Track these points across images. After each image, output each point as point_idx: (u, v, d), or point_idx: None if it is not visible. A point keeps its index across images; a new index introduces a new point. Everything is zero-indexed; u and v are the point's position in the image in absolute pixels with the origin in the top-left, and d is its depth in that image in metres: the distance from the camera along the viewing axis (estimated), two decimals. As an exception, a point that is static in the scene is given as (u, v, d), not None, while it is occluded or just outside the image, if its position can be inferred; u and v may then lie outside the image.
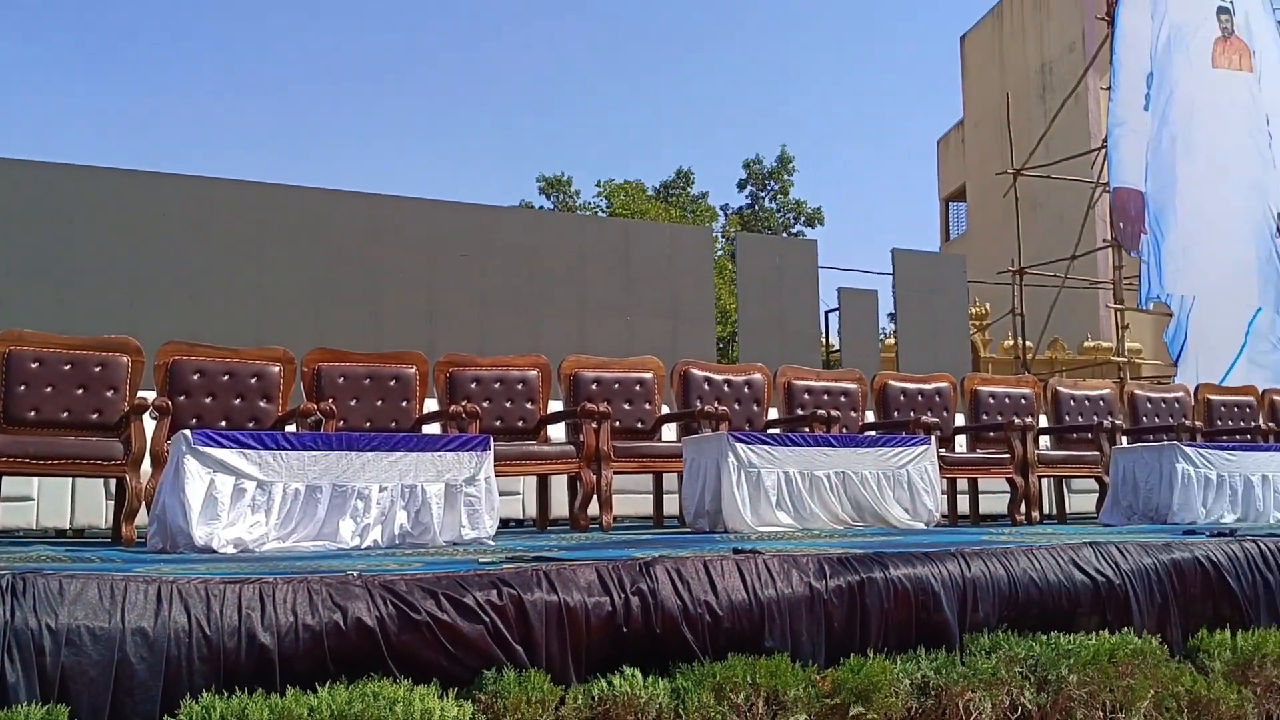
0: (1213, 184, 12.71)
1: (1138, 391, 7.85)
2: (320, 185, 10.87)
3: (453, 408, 5.57)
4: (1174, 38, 12.83)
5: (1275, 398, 8.32)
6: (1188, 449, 5.86)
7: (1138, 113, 12.58)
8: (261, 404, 5.57)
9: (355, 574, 2.67)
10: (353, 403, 5.78)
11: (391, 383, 5.92)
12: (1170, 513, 5.73)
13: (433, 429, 5.81)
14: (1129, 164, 12.44)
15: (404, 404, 5.92)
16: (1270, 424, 7.87)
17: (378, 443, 4.30)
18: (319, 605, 2.49)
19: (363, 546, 4.14)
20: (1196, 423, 7.43)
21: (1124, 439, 7.26)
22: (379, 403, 5.86)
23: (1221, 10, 13.21)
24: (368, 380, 5.87)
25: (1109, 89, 12.88)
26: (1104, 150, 13.02)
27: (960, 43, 27.26)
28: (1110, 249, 13.26)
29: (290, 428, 5.31)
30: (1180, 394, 7.95)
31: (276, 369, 5.65)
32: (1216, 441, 6.88)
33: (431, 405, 6.20)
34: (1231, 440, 7.37)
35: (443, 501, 4.47)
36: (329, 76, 55.75)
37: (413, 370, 5.99)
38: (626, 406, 6.39)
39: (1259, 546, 3.80)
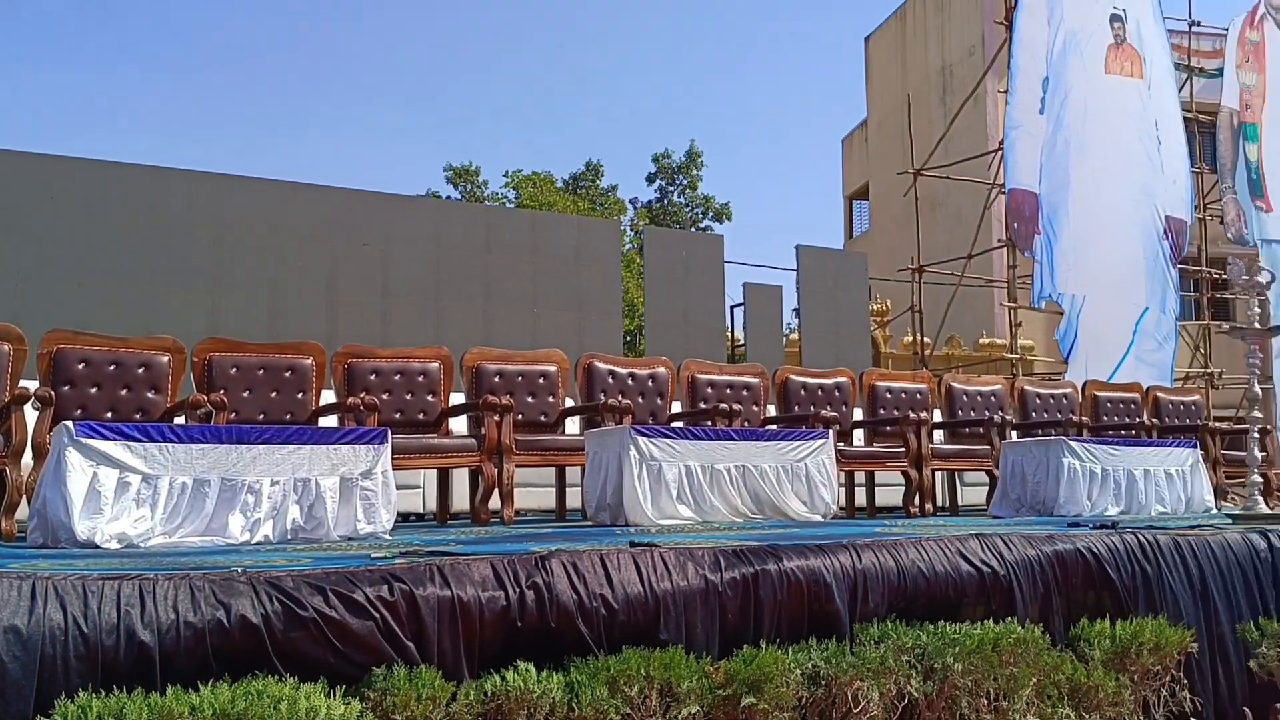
0: (1104, 187, 13.14)
1: (1027, 388, 8.09)
2: (218, 170, 10.58)
3: (350, 400, 5.48)
4: (1069, 44, 13.23)
5: (1159, 394, 8.65)
6: (1074, 444, 6.05)
7: (1033, 116, 12.94)
8: (149, 395, 5.40)
9: (240, 570, 2.60)
10: (246, 394, 5.63)
11: (287, 374, 5.78)
12: (1057, 505, 5.92)
13: (330, 422, 5.70)
14: (1024, 166, 12.80)
15: (300, 396, 5.79)
16: (1153, 419, 8.18)
17: (269, 435, 4.21)
18: (201, 602, 2.42)
19: (253, 542, 4.05)
20: (1083, 418, 7.68)
21: (1014, 434, 7.48)
22: (273, 394, 5.72)
23: (1115, 18, 13.66)
24: (261, 371, 5.73)
25: (1006, 92, 13.22)
26: (1001, 152, 13.36)
27: (865, 43, 27.71)
28: (1005, 248, 13.62)
29: (179, 420, 5.16)
30: (1068, 390, 8.21)
31: (165, 359, 5.48)
32: (1102, 437, 7.12)
33: (330, 397, 6.09)
34: (1116, 435, 7.63)
35: (337, 496, 4.40)
36: (230, 58, 54.27)
37: (309, 361, 5.87)
38: (530, 399, 6.36)
39: (1138, 539, 3.95)
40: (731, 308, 13.74)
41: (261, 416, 5.58)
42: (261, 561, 2.96)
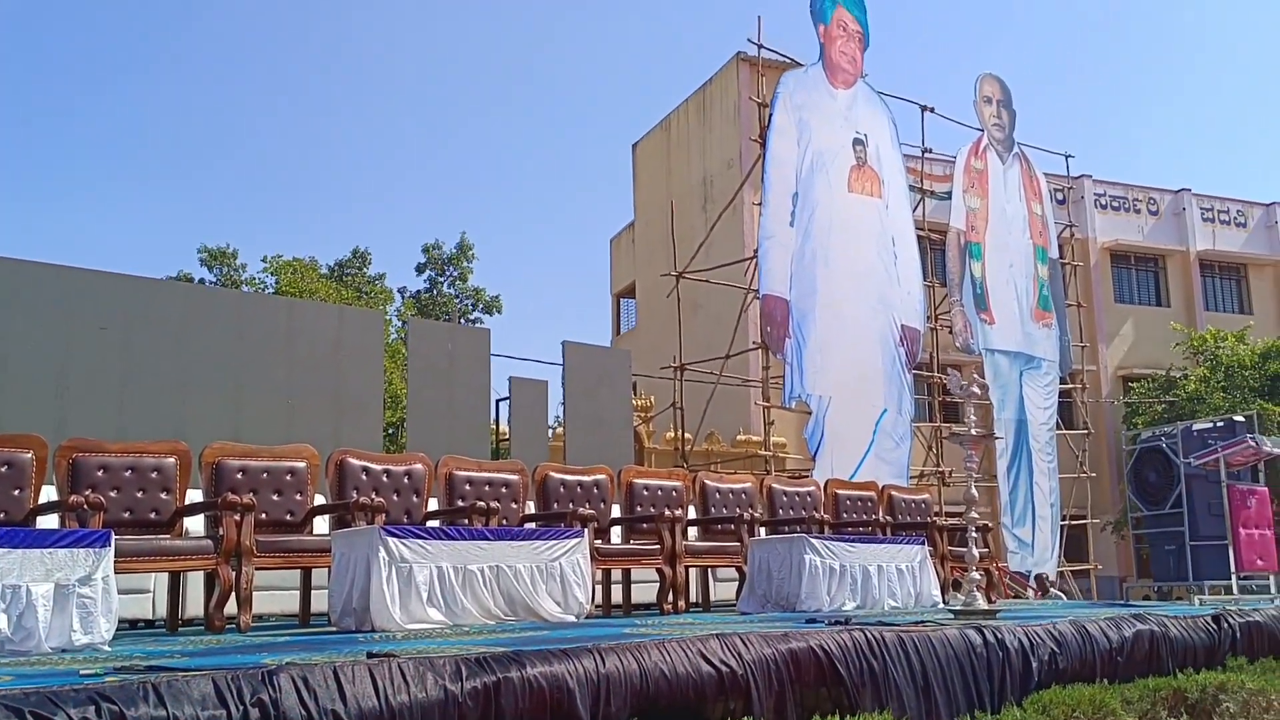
0: (847, 296, 14.07)
1: (775, 486, 8.44)
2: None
3: (72, 498, 5.09)
4: (816, 163, 14.21)
5: (893, 493, 9.20)
6: (814, 540, 6.35)
7: (784, 227, 13.75)
8: None
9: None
10: (-49, 491, 5.14)
11: (1, 469, 5.32)
12: (799, 601, 6.17)
13: (50, 521, 5.26)
14: (776, 273, 13.53)
15: (16, 493, 5.32)
16: (888, 517, 8.69)
17: (-28, 539, 3.84)
18: None
19: (-54, 658, 3.66)
20: (825, 515, 8.06)
21: (763, 530, 7.76)
22: (-16, 492, 5.24)
23: (857, 142, 14.79)
24: (-29, 466, 5.24)
25: (760, 204, 13.99)
26: (756, 259, 14.08)
27: (632, 149, 28.79)
28: (760, 350, 14.27)
29: None
30: (812, 488, 8.62)
31: None
32: (841, 534, 7.50)
33: (52, 494, 5.64)
34: (854, 533, 8.05)
35: (51, 604, 4.07)
36: (-37, 122, 50.30)
37: (29, 455, 5.42)
38: (276, 497, 6.09)
39: (865, 635, 4.16)
40: (497, 401, 13.70)
41: (-33, 516, 5.10)
42: (-52, 684, 2.68)
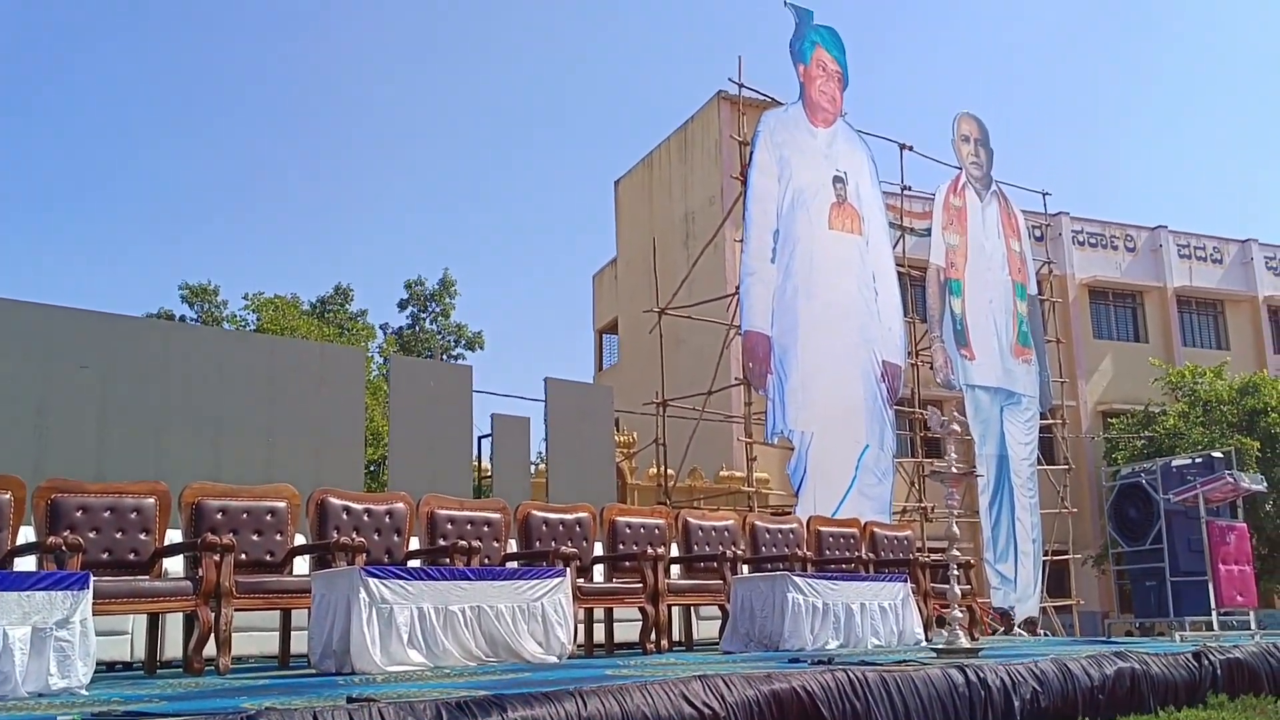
0: (829, 332, 14.14)
1: (757, 523, 8.44)
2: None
3: (51, 539, 5.05)
4: (797, 200, 14.32)
5: (875, 529, 9.21)
6: (797, 578, 6.35)
7: (766, 264, 13.83)
8: None
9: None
10: (-74, 533, 5.09)
11: (-21, 511, 5.28)
12: (783, 639, 6.15)
13: (28, 563, 5.22)
14: (758, 310, 13.60)
15: (-8, 535, 5.28)
16: (870, 554, 8.70)
17: (-52, 583, 3.81)
18: None
19: (-81, 705, 3.61)
20: (808, 552, 8.06)
21: (745, 568, 7.75)
22: (-40, 534, 5.19)
23: (837, 179, 14.92)
24: (-53, 507, 5.20)
25: (742, 241, 14.08)
26: (737, 296, 14.15)
27: (615, 186, 28.96)
28: (742, 386, 14.30)
29: None
30: (795, 525, 8.62)
31: None
32: (824, 571, 7.50)
33: (30, 535, 5.59)
34: (837, 570, 8.05)
35: (28, 647, 4.03)
36: (-57, 158, 50.18)
37: (7, 496, 5.38)
38: (256, 538, 6.05)
39: (848, 675, 4.16)
40: (480, 438, 13.67)
41: (-57, 559, 5.05)
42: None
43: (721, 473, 19.66)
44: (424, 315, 34.11)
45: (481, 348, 34.20)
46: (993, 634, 12.39)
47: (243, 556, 5.75)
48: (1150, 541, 17.62)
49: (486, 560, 6.69)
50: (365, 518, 6.50)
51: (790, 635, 6.16)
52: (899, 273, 15.66)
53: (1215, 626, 15.72)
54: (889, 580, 7.05)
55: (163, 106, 54.11)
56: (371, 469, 20.11)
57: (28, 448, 8.83)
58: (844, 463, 13.85)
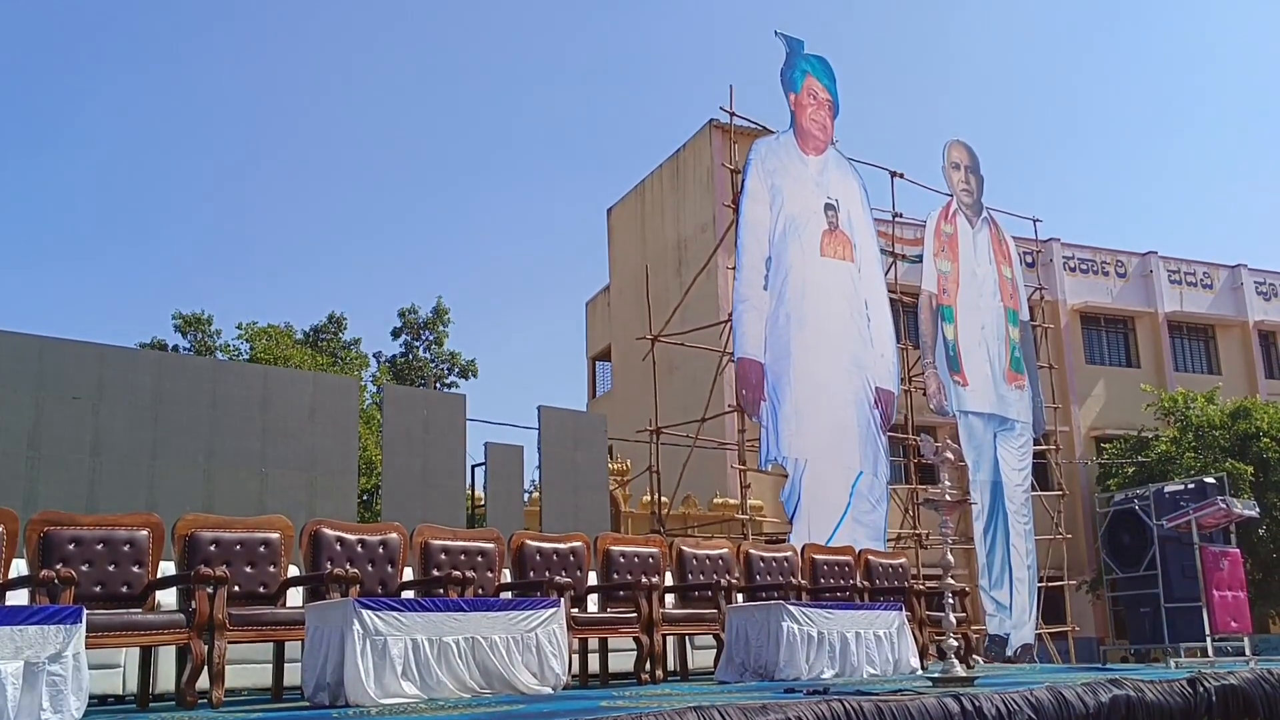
0: (821, 359, 14.17)
1: (752, 551, 8.42)
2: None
3: (43, 573, 5.03)
4: (789, 228, 14.39)
5: (870, 557, 9.20)
6: (792, 607, 6.33)
7: (758, 291, 13.88)
8: None
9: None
10: (-82, 567, 5.06)
11: (-29, 544, 5.25)
12: (778, 669, 6.13)
13: (19, 597, 5.19)
14: (751, 337, 13.63)
15: (-15, 568, 5.25)
16: (865, 582, 8.68)
17: (-60, 619, 3.79)
18: None
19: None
20: (802, 581, 8.04)
21: (740, 596, 7.73)
22: (-48, 567, 5.16)
23: (829, 207, 15.00)
24: (-61, 541, 5.18)
25: (734, 268, 14.13)
26: (730, 323, 14.19)
27: (607, 214, 29.04)
28: (735, 413, 14.31)
29: None
30: (789, 553, 8.60)
31: None
32: (819, 600, 7.48)
33: (22, 568, 5.56)
34: (831, 598, 8.03)
35: (20, 683, 4.01)
36: (-64, 187, 50.20)
37: (0, 529, 5.36)
38: (249, 569, 6.03)
39: (844, 705, 4.15)
40: (473, 467, 13.65)
41: (-66, 593, 5.02)
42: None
43: (716, 500, 19.62)
44: (417, 344, 34.11)
45: (475, 376, 34.21)
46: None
47: (236, 588, 5.72)
48: (1144, 567, 17.64)
49: (480, 591, 6.67)
50: (359, 548, 6.48)
51: (785, 665, 6.14)
52: (891, 299, 15.72)
53: (1210, 652, 15.70)
54: (884, 609, 7.03)
55: (155, 137, 54.29)
56: (364, 498, 20.05)
57: (20, 479, 8.81)
58: (838, 489, 13.85)
